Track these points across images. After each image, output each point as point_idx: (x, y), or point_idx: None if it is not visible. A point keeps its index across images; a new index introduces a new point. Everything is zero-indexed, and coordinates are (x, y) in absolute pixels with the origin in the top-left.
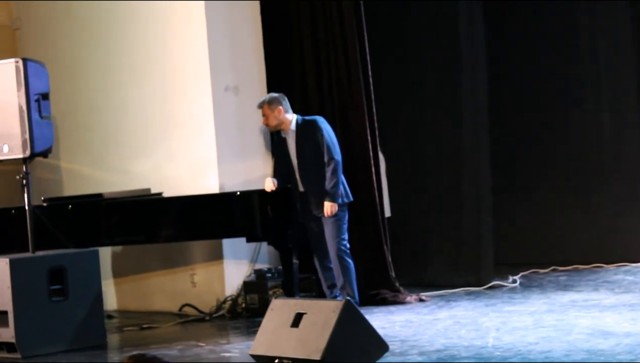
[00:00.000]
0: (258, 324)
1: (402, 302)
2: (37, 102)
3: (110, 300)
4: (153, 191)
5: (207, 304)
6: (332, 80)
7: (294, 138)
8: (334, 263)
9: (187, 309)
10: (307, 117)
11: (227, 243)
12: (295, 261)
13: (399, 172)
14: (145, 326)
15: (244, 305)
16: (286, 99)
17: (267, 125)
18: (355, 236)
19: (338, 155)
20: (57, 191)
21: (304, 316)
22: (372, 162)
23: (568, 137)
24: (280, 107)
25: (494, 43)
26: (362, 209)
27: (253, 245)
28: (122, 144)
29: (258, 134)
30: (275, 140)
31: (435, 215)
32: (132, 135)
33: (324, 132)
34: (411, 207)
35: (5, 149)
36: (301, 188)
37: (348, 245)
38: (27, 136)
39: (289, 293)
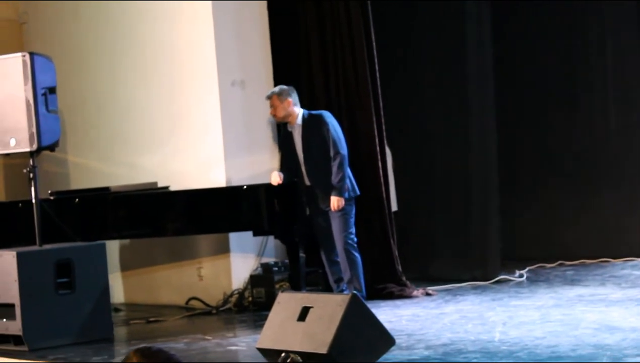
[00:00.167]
0: (264, 318)
1: (409, 296)
2: (44, 96)
3: (118, 293)
4: (160, 185)
5: (213, 298)
6: (339, 80)
7: (300, 132)
8: (341, 257)
9: (193, 302)
10: (313, 112)
11: (234, 237)
12: (301, 255)
13: (406, 166)
14: (151, 319)
15: (250, 298)
16: (295, 92)
17: (274, 115)
18: (362, 230)
19: (344, 149)
20: (64, 185)
21: (311, 310)
22: (379, 156)
23: (575, 132)
24: (290, 99)
25: (500, 42)
26: (369, 204)
27: (260, 238)
28: (129, 137)
29: (265, 127)
30: (282, 134)
31: (442, 209)
32: (139, 128)
33: (330, 127)
34: (418, 201)
35: (13, 142)
36: (307, 183)
37: (355, 239)
38: (34, 130)
39: (296, 287)
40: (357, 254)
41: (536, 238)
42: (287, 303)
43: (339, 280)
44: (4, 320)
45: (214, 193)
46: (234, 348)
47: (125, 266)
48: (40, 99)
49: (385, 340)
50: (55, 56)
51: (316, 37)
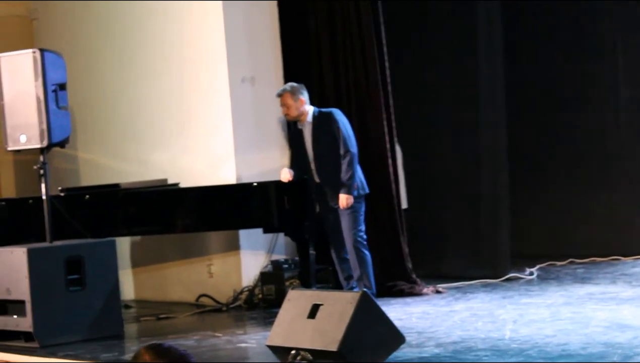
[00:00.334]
0: (274, 315)
1: (419, 294)
2: (55, 93)
3: (128, 289)
4: (170, 182)
5: (223, 295)
6: (349, 78)
7: (310, 130)
8: (351, 255)
9: (203, 299)
10: (323, 109)
11: (244, 234)
12: (312, 252)
13: (416, 163)
14: (162, 316)
15: (260, 295)
16: (306, 89)
17: (287, 115)
18: (373, 228)
19: (354, 147)
20: (74, 181)
21: (321, 307)
22: (389, 154)
23: (586, 130)
24: (302, 98)
25: (510, 41)
26: (379, 201)
27: (270, 236)
28: (139, 134)
29: (275, 124)
30: (292, 132)
31: (452, 207)
32: (149, 125)
33: (340, 124)
34: (428, 199)
35: (23, 139)
36: (317, 180)
37: (365, 237)
38: (44, 126)
39: (306, 284)
40: (366, 252)
41: (547, 236)
42: (297, 300)
43: (349, 278)
44: (15, 316)
45: (224, 190)
46: (244, 345)
47: (135, 263)
48: (51, 95)
49: (395, 337)
50: (66, 52)
51: (326, 35)
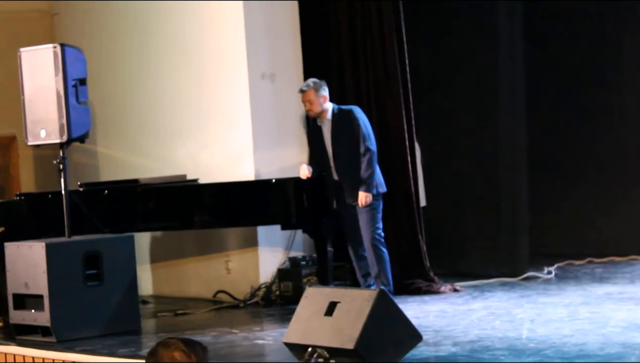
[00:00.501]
0: (292, 312)
1: (437, 292)
2: (75, 88)
3: (146, 285)
4: (189, 178)
5: (241, 291)
6: (369, 75)
7: (330, 127)
8: (368, 252)
9: (221, 295)
10: (343, 106)
11: (262, 231)
12: (329, 249)
13: (435, 161)
14: (179, 312)
15: (278, 292)
16: (327, 86)
17: (310, 110)
18: (391, 225)
19: (374, 145)
20: (93, 176)
21: (338, 305)
22: (408, 151)
23: (606, 129)
24: (325, 94)
25: (532, 39)
26: (397, 199)
27: (288, 232)
28: (158, 130)
29: (294, 120)
30: (311, 128)
31: (471, 205)
32: (168, 121)
33: (360, 122)
34: (447, 197)
35: (43, 133)
36: (335, 177)
37: (383, 234)
38: (64, 121)
39: (323, 281)
40: (384, 249)
41: (565, 235)
42: (314, 297)
43: (366, 275)
44: (33, 311)
45: (242, 186)
46: (260, 342)
47: (154, 258)
48: (71, 90)
49: (412, 336)
50: (86, 48)
51: (346, 32)
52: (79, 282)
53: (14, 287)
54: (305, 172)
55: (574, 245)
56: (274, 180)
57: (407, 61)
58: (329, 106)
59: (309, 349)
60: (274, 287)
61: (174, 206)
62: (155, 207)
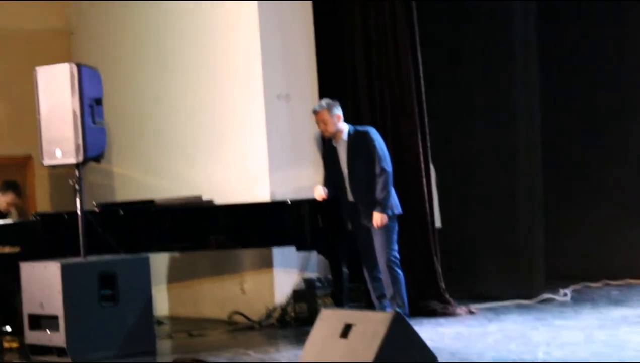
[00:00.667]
0: (307, 333)
1: (452, 314)
2: (91, 107)
3: (162, 305)
4: (204, 198)
5: (256, 312)
6: (384, 97)
7: (345, 148)
8: (384, 274)
9: (236, 317)
10: (359, 127)
11: (277, 252)
12: (345, 270)
13: (450, 183)
14: (194, 333)
15: (293, 313)
16: (340, 105)
17: (325, 131)
18: (406, 247)
19: (389, 166)
20: (109, 196)
21: (353, 327)
22: (423, 173)
23: (623, 150)
24: (339, 113)
25: (547, 46)
26: (412, 220)
27: (303, 254)
28: (174, 150)
29: (310, 141)
30: (326, 149)
31: (486, 227)
32: (184, 142)
33: (376, 143)
34: (462, 219)
35: (59, 153)
36: (350, 198)
37: (398, 256)
38: (80, 141)
39: (338, 302)
40: (399, 271)
41: (581, 257)
42: (329, 319)
43: (381, 297)
44: (48, 331)
45: (257, 207)
46: None
47: (169, 279)
48: (87, 110)
49: (427, 358)
50: (102, 67)
51: (362, 55)
52: (94, 303)
53: (29, 307)
54: (320, 193)
55: (590, 267)
56: (289, 201)
57: (422, 82)
58: (344, 127)
59: None
60: (289, 309)
61: (190, 227)
62: (170, 227)
